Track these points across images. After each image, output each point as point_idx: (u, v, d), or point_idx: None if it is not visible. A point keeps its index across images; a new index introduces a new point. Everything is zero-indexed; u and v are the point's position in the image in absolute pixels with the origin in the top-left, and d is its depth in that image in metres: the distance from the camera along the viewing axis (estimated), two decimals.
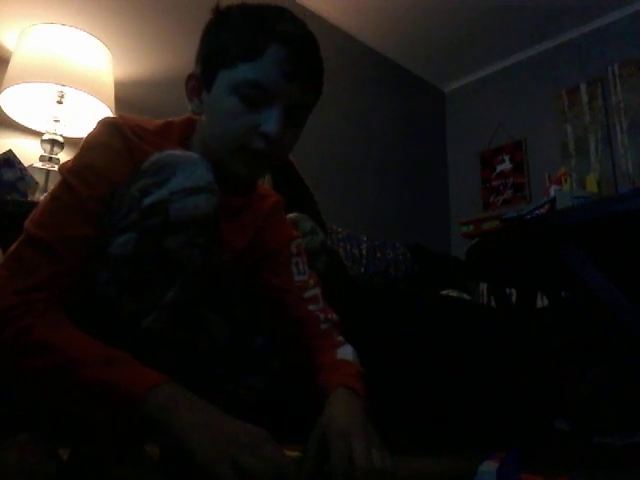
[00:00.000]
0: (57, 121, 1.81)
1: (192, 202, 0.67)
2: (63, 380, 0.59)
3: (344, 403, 0.71)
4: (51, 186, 1.65)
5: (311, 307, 0.88)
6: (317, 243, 1.02)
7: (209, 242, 0.71)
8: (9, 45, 1.88)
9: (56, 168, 1.76)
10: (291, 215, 1.02)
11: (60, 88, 1.76)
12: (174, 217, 0.66)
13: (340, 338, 0.88)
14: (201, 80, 0.77)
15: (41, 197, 1.58)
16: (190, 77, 0.80)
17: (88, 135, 0.75)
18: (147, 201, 0.66)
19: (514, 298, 2.12)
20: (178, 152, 0.71)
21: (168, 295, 0.69)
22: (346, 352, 0.85)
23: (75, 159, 0.72)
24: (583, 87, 2.95)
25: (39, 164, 1.74)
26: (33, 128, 1.87)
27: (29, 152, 1.82)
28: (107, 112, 1.82)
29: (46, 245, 0.65)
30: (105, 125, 0.75)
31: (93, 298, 0.68)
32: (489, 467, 0.67)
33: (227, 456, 0.53)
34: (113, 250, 0.67)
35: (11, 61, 1.74)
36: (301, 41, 0.74)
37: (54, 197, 0.69)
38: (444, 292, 2.35)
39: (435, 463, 0.71)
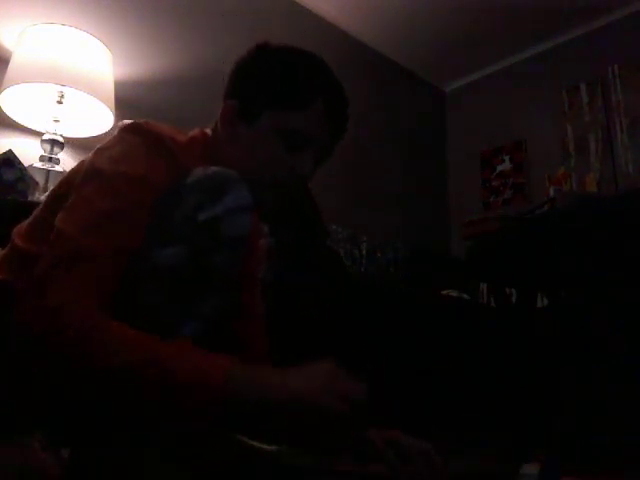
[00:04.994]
0: (57, 121, 1.81)
1: (241, 220, 0.71)
2: (134, 379, 0.58)
3: None
4: (51, 186, 1.64)
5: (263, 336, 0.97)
6: (271, 244, 1.13)
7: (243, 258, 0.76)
8: (9, 45, 1.88)
9: (56, 168, 1.76)
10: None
11: (60, 88, 1.76)
12: (226, 233, 0.69)
13: None
14: (240, 112, 0.82)
15: (41, 197, 1.58)
16: (229, 107, 0.83)
17: (124, 142, 0.74)
18: (202, 217, 0.68)
19: (514, 298, 2.12)
20: (223, 170, 0.73)
21: (208, 305, 0.71)
22: None
23: (111, 164, 0.71)
24: (583, 87, 2.95)
25: (39, 164, 1.74)
26: (33, 128, 1.87)
27: (29, 152, 1.82)
28: (107, 112, 1.82)
29: (95, 254, 0.64)
30: (144, 133, 0.74)
31: (132, 306, 0.68)
32: (530, 470, 0.67)
33: (326, 388, 0.59)
34: (160, 260, 0.67)
35: (11, 61, 1.74)
36: (340, 99, 0.83)
37: (95, 201, 0.68)
38: (444, 292, 2.35)
39: (475, 464, 0.71)
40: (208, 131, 0.86)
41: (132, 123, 0.76)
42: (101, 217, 0.67)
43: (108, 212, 0.67)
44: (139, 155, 0.72)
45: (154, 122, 0.77)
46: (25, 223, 0.79)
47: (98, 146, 0.76)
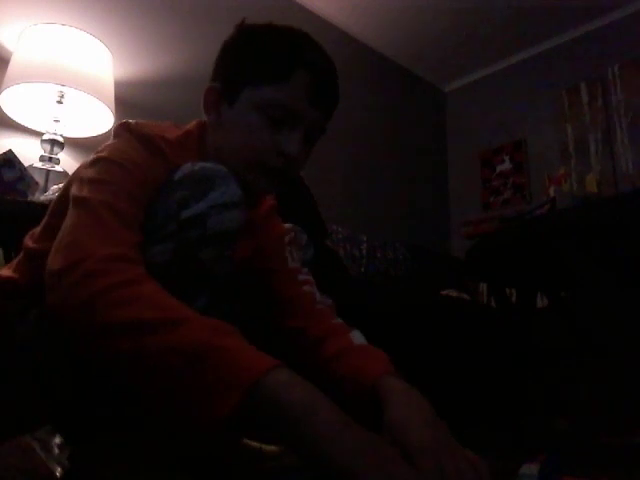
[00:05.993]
0: (57, 121, 1.81)
1: (228, 216, 0.69)
2: (170, 340, 0.53)
3: (408, 402, 0.65)
4: (51, 186, 1.65)
5: (305, 288, 0.88)
6: (309, 256, 1.11)
7: (233, 254, 0.73)
8: (9, 45, 1.88)
9: (56, 168, 1.76)
10: (288, 226, 1.05)
11: (60, 88, 1.76)
12: (211, 230, 0.68)
13: (339, 320, 0.86)
14: (222, 94, 0.79)
15: (41, 197, 1.58)
16: (210, 90, 0.80)
17: (118, 138, 0.73)
18: (186, 214, 0.67)
19: (514, 298, 2.12)
20: (210, 165, 0.72)
21: (198, 303, 0.70)
22: (359, 337, 0.82)
23: (115, 152, 0.70)
24: (583, 87, 2.95)
25: (39, 164, 1.74)
26: (33, 128, 1.87)
27: (29, 152, 1.82)
28: (107, 112, 1.82)
29: (132, 219, 0.65)
30: (134, 132, 0.74)
31: None
32: (530, 470, 0.66)
33: (381, 468, 0.47)
34: (148, 259, 0.66)
35: (11, 61, 1.74)
36: (325, 69, 0.79)
37: (108, 178, 0.66)
38: (444, 292, 2.35)
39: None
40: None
41: (121, 122, 0.75)
42: (121, 188, 0.66)
43: (123, 187, 0.67)
44: (136, 147, 0.72)
45: (143, 121, 0.76)
46: (36, 230, 0.80)
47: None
